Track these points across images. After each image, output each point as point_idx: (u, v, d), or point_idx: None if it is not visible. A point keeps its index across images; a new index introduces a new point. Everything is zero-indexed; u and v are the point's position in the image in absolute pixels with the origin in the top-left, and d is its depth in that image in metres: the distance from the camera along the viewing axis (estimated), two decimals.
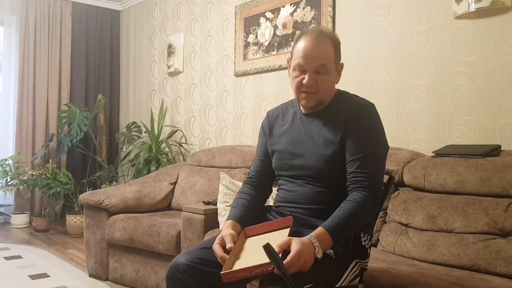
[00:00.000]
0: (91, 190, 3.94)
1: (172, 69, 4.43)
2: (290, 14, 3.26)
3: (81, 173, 5.11)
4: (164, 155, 4.20)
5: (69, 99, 5.08)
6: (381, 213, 2.16)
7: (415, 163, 2.18)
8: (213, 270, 1.35)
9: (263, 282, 1.29)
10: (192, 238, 2.48)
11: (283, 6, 3.30)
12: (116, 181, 4.84)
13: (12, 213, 4.74)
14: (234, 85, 3.76)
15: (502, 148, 2.06)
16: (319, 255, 1.26)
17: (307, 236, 1.28)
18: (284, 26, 3.30)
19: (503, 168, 1.85)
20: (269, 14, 3.42)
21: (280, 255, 1.19)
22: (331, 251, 1.35)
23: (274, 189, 1.69)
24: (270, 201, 1.81)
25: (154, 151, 4.19)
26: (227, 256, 1.31)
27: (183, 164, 3.58)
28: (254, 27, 3.54)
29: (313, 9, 3.08)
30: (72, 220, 4.31)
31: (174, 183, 3.40)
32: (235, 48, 3.71)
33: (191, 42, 4.25)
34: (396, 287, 1.52)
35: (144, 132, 4.58)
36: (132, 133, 4.56)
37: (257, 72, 3.51)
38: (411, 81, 2.57)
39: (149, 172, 3.96)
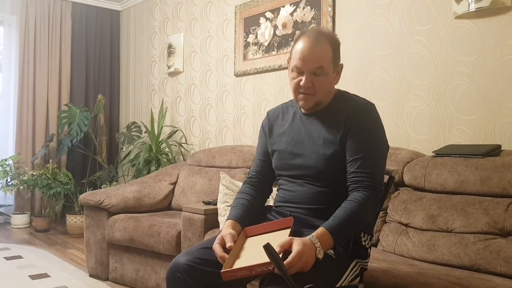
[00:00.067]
0: (91, 190, 3.95)
1: (172, 69, 4.43)
2: (290, 14, 3.26)
3: (81, 173, 5.11)
4: (164, 155, 4.20)
5: (69, 99, 5.08)
6: (381, 213, 2.16)
7: (415, 163, 2.18)
8: (213, 270, 1.35)
9: (263, 282, 1.29)
10: (192, 238, 2.48)
11: (283, 6, 3.30)
12: (116, 181, 4.84)
13: (12, 213, 4.74)
14: (234, 85, 3.76)
15: (502, 148, 2.06)
16: (320, 256, 1.26)
17: (308, 236, 1.28)
18: (284, 26, 3.30)
19: (503, 168, 1.85)
20: (269, 14, 3.42)
21: (281, 255, 1.19)
22: (332, 251, 1.35)
23: (274, 189, 1.69)
24: (270, 201, 1.81)
25: (154, 151, 4.19)
26: (227, 256, 1.31)
27: (183, 164, 3.58)
28: (254, 27, 3.54)
29: (313, 9, 3.08)
30: (72, 220, 4.32)
31: (174, 183, 3.40)
32: (235, 48, 3.70)
33: (191, 42, 4.25)
34: (396, 287, 1.52)
35: (144, 132, 4.58)
36: (132, 133, 4.55)
37: (257, 72, 3.51)
38: (411, 81, 2.57)
39: (149, 172, 3.96)
